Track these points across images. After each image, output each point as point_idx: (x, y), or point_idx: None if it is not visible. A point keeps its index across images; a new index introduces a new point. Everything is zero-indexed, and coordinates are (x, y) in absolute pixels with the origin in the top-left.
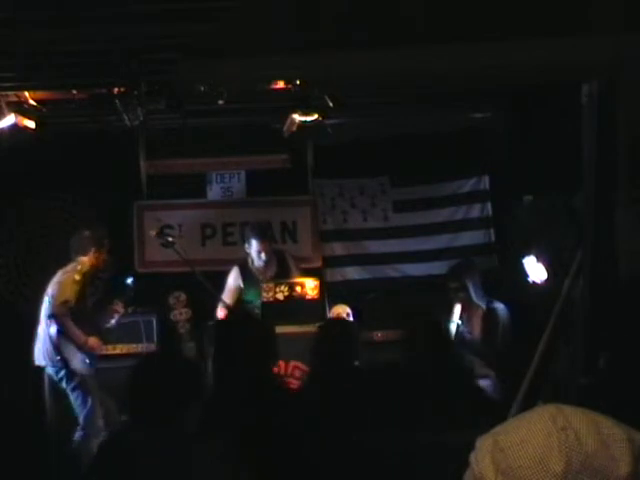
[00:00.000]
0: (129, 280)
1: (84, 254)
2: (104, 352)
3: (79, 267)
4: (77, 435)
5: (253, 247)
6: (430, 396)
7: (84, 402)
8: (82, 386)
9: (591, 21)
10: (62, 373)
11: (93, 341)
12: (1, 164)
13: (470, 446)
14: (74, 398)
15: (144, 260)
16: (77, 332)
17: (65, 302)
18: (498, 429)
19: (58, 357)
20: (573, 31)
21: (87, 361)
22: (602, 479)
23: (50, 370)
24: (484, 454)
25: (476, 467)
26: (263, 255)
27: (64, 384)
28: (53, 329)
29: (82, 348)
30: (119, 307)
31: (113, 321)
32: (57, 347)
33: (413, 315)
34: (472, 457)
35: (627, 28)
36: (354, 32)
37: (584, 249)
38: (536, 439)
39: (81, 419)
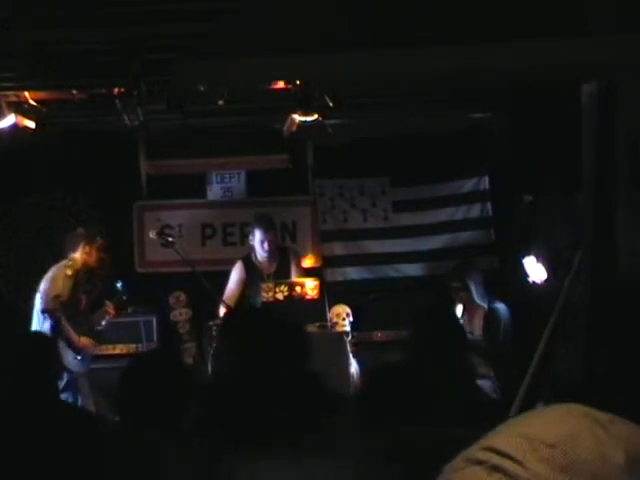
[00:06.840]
0: (119, 284)
1: (74, 251)
2: (104, 352)
3: (70, 263)
4: None
5: (257, 238)
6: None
7: (74, 402)
8: (71, 385)
9: (591, 22)
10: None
11: (85, 340)
12: (1, 164)
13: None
14: (64, 398)
15: (144, 260)
16: (69, 329)
17: (57, 297)
18: (517, 429)
19: None
20: (573, 31)
21: (78, 358)
22: None
23: None
24: (527, 456)
25: (524, 472)
26: (266, 245)
27: None
28: (46, 325)
29: (73, 345)
30: (110, 309)
31: (104, 322)
32: None
33: (423, 312)
34: (504, 463)
35: (627, 28)
36: (354, 32)
37: (584, 249)
38: (583, 434)
39: None
